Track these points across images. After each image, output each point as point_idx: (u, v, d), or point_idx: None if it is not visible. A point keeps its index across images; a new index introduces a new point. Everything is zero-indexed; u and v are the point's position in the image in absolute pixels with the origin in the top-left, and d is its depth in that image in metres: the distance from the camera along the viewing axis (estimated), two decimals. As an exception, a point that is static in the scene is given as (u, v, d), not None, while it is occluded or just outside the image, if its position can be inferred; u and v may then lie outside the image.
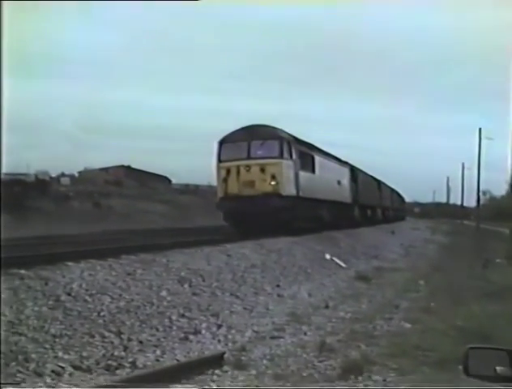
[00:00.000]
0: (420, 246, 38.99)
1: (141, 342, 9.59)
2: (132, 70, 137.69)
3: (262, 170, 27.25)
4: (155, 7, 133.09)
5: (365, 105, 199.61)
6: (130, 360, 8.69)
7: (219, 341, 10.31)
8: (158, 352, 9.26)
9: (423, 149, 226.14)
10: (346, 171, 43.24)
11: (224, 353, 9.13)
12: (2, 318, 9.10)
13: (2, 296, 10.07)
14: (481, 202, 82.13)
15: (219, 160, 28.51)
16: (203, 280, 14.45)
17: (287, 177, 27.83)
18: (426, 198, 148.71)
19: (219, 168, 28.47)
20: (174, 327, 10.74)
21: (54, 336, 8.93)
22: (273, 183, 27.07)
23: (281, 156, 27.83)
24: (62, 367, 7.90)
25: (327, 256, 23.17)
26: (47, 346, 8.50)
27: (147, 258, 15.15)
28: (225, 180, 27.90)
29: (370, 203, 53.80)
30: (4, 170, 52.91)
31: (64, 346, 8.65)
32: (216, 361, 8.78)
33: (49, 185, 51.39)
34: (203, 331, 10.82)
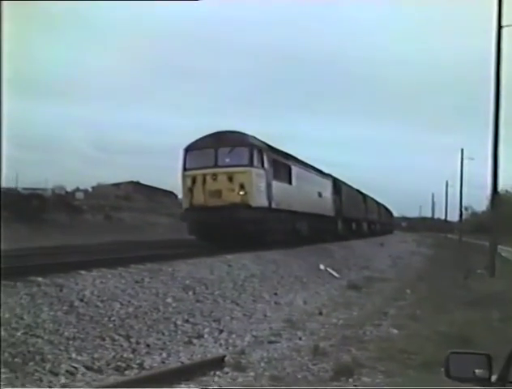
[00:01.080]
0: (407, 258, 38.91)
1: (148, 345, 9.59)
2: (139, 93, 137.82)
3: (230, 179, 23.99)
4: (163, 31, 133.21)
5: (356, 127, 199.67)
6: (138, 361, 8.69)
7: (220, 345, 10.31)
8: (164, 355, 9.27)
9: (410, 168, 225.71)
10: (328, 183, 40.18)
11: (224, 356, 9.13)
12: (21, 321, 9.12)
13: (22, 301, 10.10)
14: (463, 217, 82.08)
15: (185, 169, 25.34)
16: (206, 288, 14.45)
17: (257, 186, 24.65)
18: (413, 213, 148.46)
19: (184, 177, 25.25)
20: (179, 332, 10.73)
21: (68, 339, 8.93)
22: (241, 193, 23.84)
23: (251, 164, 24.53)
24: (76, 367, 7.91)
25: (321, 267, 23.14)
26: (62, 348, 8.50)
27: (154, 268, 15.15)
28: (190, 190, 24.66)
29: (355, 217, 50.49)
30: (24, 185, 53.27)
31: (77, 348, 8.66)
32: (218, 363, 8.79)
33: (65, 199, 51.44)
34: (206, 336, 10.82)
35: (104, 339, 9.34)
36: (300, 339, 10.99)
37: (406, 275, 25.63)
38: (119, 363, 8.46)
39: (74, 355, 8.36)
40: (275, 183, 26.35)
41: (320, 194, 36.75)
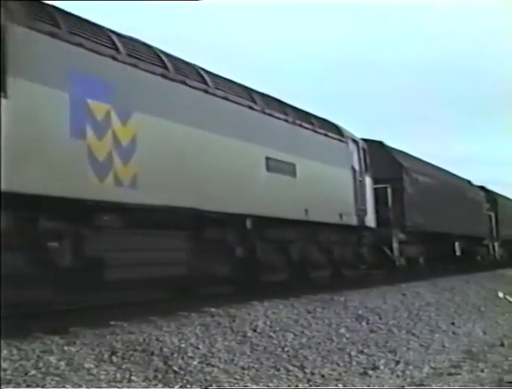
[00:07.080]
0: None
1: (323, 376, 9.52)
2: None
3: None
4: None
5: None
6: (313, 392, 8.65)
7: (397, 376, 10.04)
8: (340, 386, 9.14)
9: None
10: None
11: (403, 388, 8.88)
12: (197, 351, 9.43)
13: (197, 331, 10.48)
14: None
15: None
16: (380, 318, 14.21)
17: None
18: None
19: None
20: (354, 363, 10.58)
21: (243, 368, 9.09)
22: None
23: None
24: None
25: (500, 294, 22.04)
26: (237, 377, 8.66)
27: (325, 298, 15.16)
28: None
29: None
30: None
31: (252, 377, 8.77)
32: (396, 395, 8.55)
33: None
34: (382, 367, 10.59)
35: (278, 370, 9.39)
36: (482, 371, 10.44)
37: None
38: (294, 393, 8.46)
39: (249, 384, 8.47)
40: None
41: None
